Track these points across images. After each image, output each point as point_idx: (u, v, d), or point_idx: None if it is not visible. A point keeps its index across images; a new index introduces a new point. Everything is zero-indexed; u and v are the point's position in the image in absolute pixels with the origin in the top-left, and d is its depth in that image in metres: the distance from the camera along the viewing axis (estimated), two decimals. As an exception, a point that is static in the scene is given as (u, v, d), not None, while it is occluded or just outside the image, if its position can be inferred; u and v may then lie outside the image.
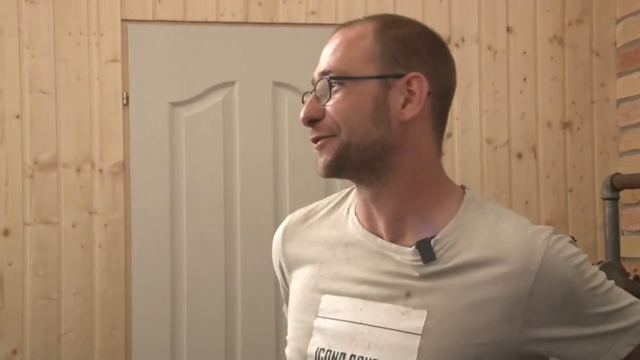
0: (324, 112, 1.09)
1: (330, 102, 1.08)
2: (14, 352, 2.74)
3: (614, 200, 2.76)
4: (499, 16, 3.05)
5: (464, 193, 1.14)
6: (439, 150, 1.14)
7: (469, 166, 3.01)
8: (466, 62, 3.00)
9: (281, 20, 2.94)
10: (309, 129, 1.10)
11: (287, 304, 1.28)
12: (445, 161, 1.19)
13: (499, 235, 1.07)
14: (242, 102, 2.91)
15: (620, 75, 3.07)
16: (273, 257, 1.28)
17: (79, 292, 2.79)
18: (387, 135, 1.08)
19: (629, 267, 2.65)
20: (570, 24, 3.10)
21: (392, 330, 1.06)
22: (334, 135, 1.08)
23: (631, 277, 2.48)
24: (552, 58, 3.08)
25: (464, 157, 3.01)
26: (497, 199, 2.94)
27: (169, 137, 2.86)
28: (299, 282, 1.19)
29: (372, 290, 1.09)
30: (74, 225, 2.79)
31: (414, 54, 1.09)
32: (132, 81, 2.84)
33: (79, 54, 2.81)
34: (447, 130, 1.17)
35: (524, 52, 3.07)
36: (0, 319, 2.73)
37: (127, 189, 2.83)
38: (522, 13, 3.08)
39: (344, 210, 1.19)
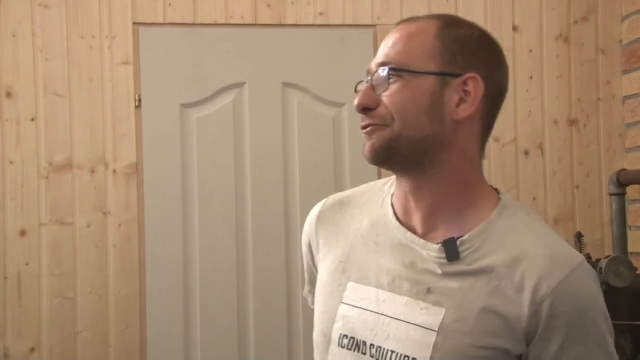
0: (378, 102, 1.10)
1: (386, 93, 1.09)
2: (32, 350, 2.79)
3: (621, 195, 2.79)
4: (505, 15, 3.08)
5: (499, 197, 1.15)
6: (482, 153, 1.15)
7: (476, 164, 3.04)
8: (473, 60, 3.02)
9: (289, 22, 2.98)
10: (353, 119, 1.13)
11: (311, 286, 1.31)
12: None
13: (525, 248, 1.07)
14: (252, 102, 2.95)
15: (625, 72, 3.10)
16: (303, 236, 1.30)
17: (94, 291, 2.83)
18: (439, 131, 1.09)
19: (635, 262, 2.68)
20: (575, 22, 3.13)
21: (410, 324, 1.08)
22: (386, 125, 1.09)
23: (639, 272, 2.51)
24: (557, 56, 3.11)
25: (471, 154, 3.04)
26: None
27: (181, 138, 2.91)
28: (326, 266, 1.22)
29: (396, 283, 1.11)
30: (88, 225, 2.84)
31: (472, 55, 1.11)
32: (143, 83, 2.88)
33: (91, 56, 2.86)
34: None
35: (530, 51, 3.10)
36: (17, 318, 2.78)
37: (140, 189, 2.88)
38: (528, 12, 3.11)
39: (379, 200, 1.21)
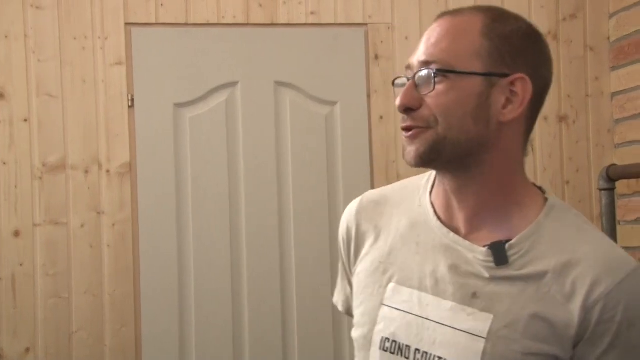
0: (421, 102, 1.06)
1: (431, 94, 1.05)
2: (27, 350, 2.79)
3: (610, 190, 2.83)
4: (495, 13, 3.10)
5: (545, 197, 1.12)
6: (525, 150, 1.12)
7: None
8: (463, 58, 3.05)
9: (281, 21, 3.00)
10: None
11: (344, 289, 1.28)
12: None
13: (577, 253, 1.04)
14: (245, 102, 2.96)
15: (614, 69, 3.13)
16: (340, 232, 1.25)
17: (89, 291, 2.84)
18: (485, 133, 1.06)
19: (626, 256, 2.71)
20: (564, 19, 3.16)
21: (457, 330, 1.05)
22: (429, 127, 1.06)
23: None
24: (547, 53, 3.14)
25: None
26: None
27: (174, 138, 2.92)
28: (365, 266, 1.18)
29: (440, 286, 1.08)
30: (82, 226, 2.84)
31: (520, 53, 1.06)
32: (136, 83, 2.89)
33: (84, 57, 2.87)
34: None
35: (520, 48, 3.12)
36: (13, 318, 2.79)
37: (134, 189, 2.89)
38: (517, 9, 3.08)
39: (416, 199, 1.18)
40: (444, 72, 1.05)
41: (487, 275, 1.06)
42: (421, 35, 1.13)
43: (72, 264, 2.83)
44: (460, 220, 1.11)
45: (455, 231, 1.11)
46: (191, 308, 2.90)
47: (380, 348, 1.11)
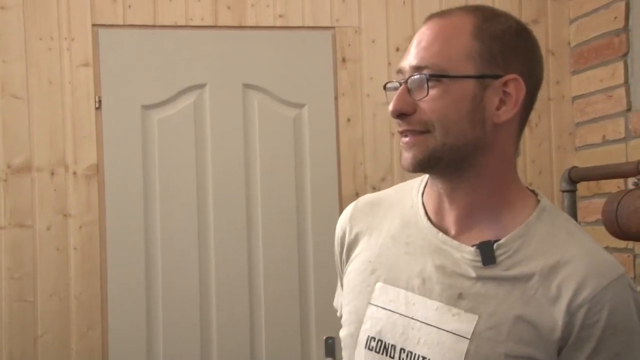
0: (415, 107, 1.06)
1: (426, 99, 1.05)
2: (-8, 354, 2.76)
3: (572, 192, 2.89)
4: (459, 18, 3.15)
5: (537, 199, 1.12)
6: (517, 150, 1.13)
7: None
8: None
9: (249, 24, 3.01)
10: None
11: (341, 286, 1.27)
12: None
13: (564, 256, 1.04)
14: (213, 104, 2.97)
15: (574, 73, 3.21)
16: (336, 234, 1.26)
17: (55, 293, 2.81)
18: (481, 135, 1.06)
19: (587, 256, 2.78)
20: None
21: (442, 330, 1.05)
22: (427, 132, 1.06)
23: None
24: (510, 58, 3.20)
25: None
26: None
27: (142, 139, 2.91)
28: (355, 266, 1.19)
29: (427, 286, 1.08)
30: (48, 228, 2.82)
31: (512, 53, 1.06)
32: (104, 85, 2.88)
33: (50, 58, 2.84)
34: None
35: (484, 52, 3.17)
36: (-23, 322, 2.75)
37: (101, 191, 2.87)
38: (481, 15, 3.18)
39: (410, 201, 1.18)
40: (437, 77, 1.04)
41: (474, 274, 1.06)
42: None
43: (38, 267, 2.80)
44: (450, 220, 1.11)
45: (445, 232, 1.11)
46: (158, 311, 2.89)
47: (365, 347, 1.11)
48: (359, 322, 1.13)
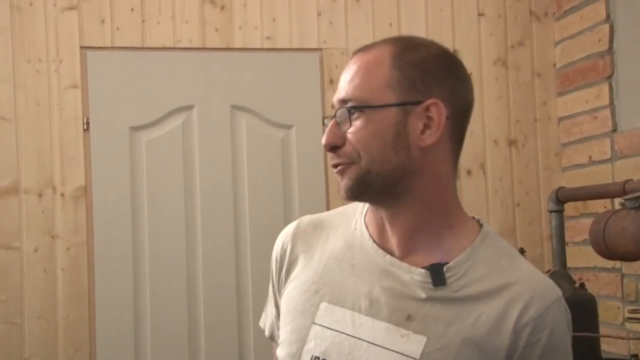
0: (344, 139, 1.09)
1: (350, 130, 1.08)
2: (-22, 377, 2.74)
3: (560, 212, 2.90)
4: (446, 39, 3.17)
5: (479, 224, 1.14)
6: (455, 172, 1.14)
7: (421, 183, 3.12)
8: (416, 83, 3.11)
9: (237, 46, 3.03)
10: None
11: (272, 311, 1.28)
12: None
13: (510, 279, 1.08)
14: (201, 125, 2.98)
15: (560, 94, 3.24)
16: (274, 252, 1.25)
17: (42, 315, 2.80)
18: (407, 161, 1.08)
19: (574, 276, 2.79)
20: (512, 46, 3.26)
21: (390, 351, 1.06)
22: (352, 163, 1.09)
23: (577, 285, 2.61)
24: (496, 79, 3.23)
25: (416, 174, 3.12)
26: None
27: (130, 161, 2.91)
28: (296, 285, 1.18)
29: (374, 307, 1.09)
30: (36, 250, 2.81)
31: (432, 78, 1.09)
32: (92, 106, 2.89)
33: (38, 80, 2.85)
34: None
35: (470, 73, 3.18)
36: (-37, 345, 2.73)
37: (89, 213, 2.87)
38: (468, 36, 3.22)
39: (353, 223, 1.19)
40: (358, 109, 1.08)
41: (423, 296, 1.07)
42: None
43: (25, 289, 2.79)
44: (393, 244, 1.13)
45: (391, 254, 1.12)
46: (147, 331, 2.88)
47: None
48: (302, 342, 1.13)
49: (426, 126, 1.08)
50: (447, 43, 3.17)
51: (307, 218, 1.25)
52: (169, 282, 2.91)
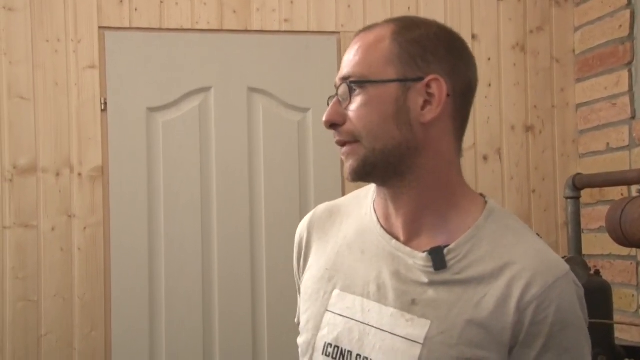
0: (345, 117, 1.10)
1: (351, 107, 1.09)
2: (-4, 353, 2.77)
3: (576, 199, 2.89)
4: (465, 24, 3.16)
5: (485, 201, 1.14)
6: (459, 151, 1.14)
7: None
8: (433, 68, 3.11)
9: (255, 28, 3.03)
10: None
11: (300, 296, 1.28)
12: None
13: (513, 257, 1.07)
14: (218, 107, 2.98)
15: (578, 80, 3.21)
16: (296, 242, 1.27)
17: (59, 294, 2.83)
18: (410, 137, 1.08)
19: (589, 263, 2.78)
20: (531, 32, 3.23)
21: (396, 336, 1.07)
22: (357, 141, 1.09)
23: (592, 272, 2.61)
24: (514, 64, 3.21)
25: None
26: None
27: (147, 142, 2.92)
28: (312, 274, 1.21)
29: (382, 292, 1.10)
30: (53, 229, 2.83)
31: (432, 55, 1.09)
32: (109, 87, 2.90)
33: (57, 60, 2.86)
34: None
35: (489, 59, 3.19)
36: (-19, 321, 2.77)
37: (106, 193, 2.89)
38: (486, 21, 3.20)
39: (365, 208, 1.20)
40: (358, 83, 1.09)
41: (426, 280, 1.08)
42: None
43: (42, 267, 2.82)
44: (398, 227, 1.13)
45: (397, 238, 1.13)
46: (162, 312, 2.91)
47: (323, 353, 1.13)
48: (317, 329, 1.15)
49: (427, 102, 1.08)
50: (466, 28, 3.16)
51: (323, 206, 1.27)
52: (184, 262, 2.93)
